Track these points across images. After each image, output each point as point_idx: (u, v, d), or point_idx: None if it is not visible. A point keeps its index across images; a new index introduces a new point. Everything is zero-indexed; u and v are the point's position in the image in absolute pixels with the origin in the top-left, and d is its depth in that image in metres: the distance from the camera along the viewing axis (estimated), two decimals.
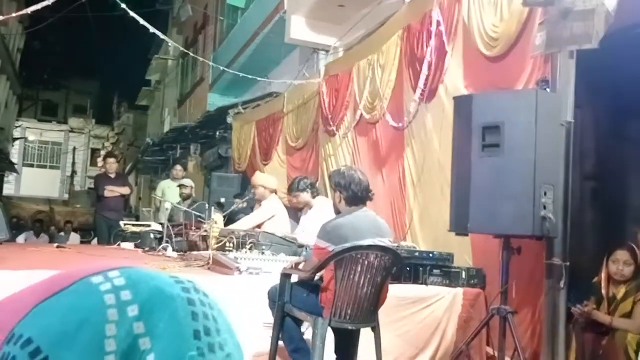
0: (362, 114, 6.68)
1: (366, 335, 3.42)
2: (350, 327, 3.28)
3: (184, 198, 8.82)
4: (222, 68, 10.85)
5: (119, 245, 7.05)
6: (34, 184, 33.34)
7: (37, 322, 0.80)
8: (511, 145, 3.61)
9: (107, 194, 9.04)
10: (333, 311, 3.17)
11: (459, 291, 4.42)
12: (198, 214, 6.56)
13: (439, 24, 5.23)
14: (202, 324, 0.84)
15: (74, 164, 35.72)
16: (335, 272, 3.17)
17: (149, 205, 15.16)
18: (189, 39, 20.85)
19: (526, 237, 3.70)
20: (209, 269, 4.48)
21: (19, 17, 18.20)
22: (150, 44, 23.84)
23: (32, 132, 35.81)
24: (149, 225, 7.41)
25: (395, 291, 3.88)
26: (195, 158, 15.53)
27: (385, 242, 3.37)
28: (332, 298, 3.17)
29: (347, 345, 3.50)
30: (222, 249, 4.96)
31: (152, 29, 7.27)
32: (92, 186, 16.89)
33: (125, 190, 9.44)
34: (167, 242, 6.11)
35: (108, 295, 0.82)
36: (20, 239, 12.60)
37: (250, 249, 4.75)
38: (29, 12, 6.65)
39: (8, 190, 29.43)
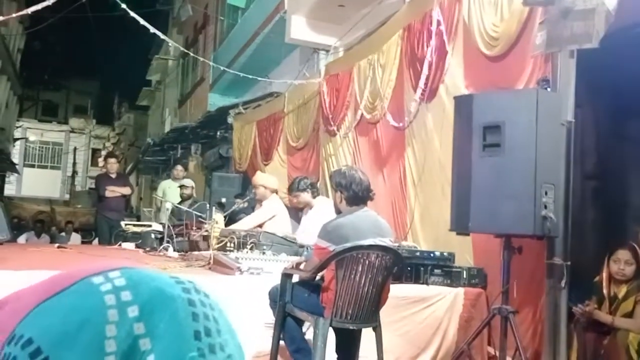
0: (362, 114, 6.68)
1: (367, 335, 3.42)
2: (351, 327, 3.28)
3: (185, 198, 8.83)
4: (222, 68, 10.85)
5: (120, 245, 7.05)
6: (35, 184, 33.36)
7: (38, 322, 0.80)
8: (512, 145, 3.61)
9: (108, 194, 9.04)
10: (334, 311, 3.17)
11: (460, 291, 4.42)
12: (199, 214, 6.56)
13: (439, 23, 5.23)
14: (202, 324, 0.84)
15: (74, 164, 35.73)
16: (336, 271, 3.17)
17: (150, 205, 15.15)
18: (189, 39, 20.85)
19: (527, 237, 3.70)
20: (209, 269, 4.48)
21: (19, 18, 18.20)
22: (151, 44, 23.85)
23: (32, 132, 35.83)
24: (150, 225, 7.41)
25: (396, 291, 3.88)
26: (195, 158, 15.53)
27: (386, 241, 3.37)
28: (333, 298, 3.17)
29: (348, 345, 3.50)
30: (222, 248, 4.96)
31: (152, 29, 7.27)
32: (93, 186, 16.89)
33: (126, 191, 9.44)
34: (167, 242, 6.11)
35: (108, 296, 0.82)
36: (21, 239, 12.60)
37: (251, 248, 4.74)
38: (29, 12, 6.65)
39: (9, 190, 29.44)
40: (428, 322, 4.27)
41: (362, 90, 6.69)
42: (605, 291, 4.04)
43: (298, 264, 3.71)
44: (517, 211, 3.56)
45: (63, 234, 15.82)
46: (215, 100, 14.96)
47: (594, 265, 4.21)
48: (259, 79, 10.24)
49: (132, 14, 6.90)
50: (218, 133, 13.08)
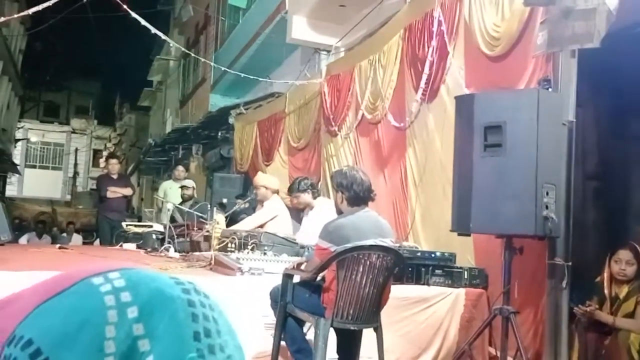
0: (363, 114, 6.68)
1: (368, 335, 3.42)
2: (352, 328, 3.28)
3: (186, 199, 8.83)
4: (223, 68, 10.85)
5: (121, 245, 7.05)
6: (36, 184, 33.41)
7: (38, 323, 0.80)
8: (513, 145, 3.61)
9: (109, 194, 9.04)
10: (335, 311, 3.17)
11: (461, 291, 4.41)
12: (200, 214, 6.56)
13: (440, 23, 5.22)
14: (202, 325, 0.84)
15: (75, 164, 35.77)
16: (337, 272, 3.17)
17: (151, 206, 15.17)
18: (190, 40, 20.87)
19: (528, 237, 3.69)
20: (210, 269, 4.48)
21: (21, 18, 18.23)
22: (152, 45, 23.86)
23: (34, 133, 35.89)
24: (151, 226, 7.41)
25: (397, 291, 3.88)
26: (197, 158, 15.54)
27: (387, 242, 3.37)
28: (334, 298, 3.17)
29: (349, 345, 3.50)
30: (224, 249, 4.96)
31: (153, 30, 7.27)
32: (94, 187, 16.88)
33: (127, 191, 9.45)
34: (169, 242, 6.11)
35: (108, 297, 0.82)
36: (23, 240, 12.61)
37: (252, 249, 4.74)
38: (30, 13, 6.66)
39: (10, 191, 29.49)
40: (429, 322, 4.26)
41: (363, 90, 6.69)
42: (606, 291, 4.03)
43: (299, 265, 3.71)
44: (518, 211, 3.56)
45: (64, 234, 15.83)
46: (217, 101, 14.97)
47: (595, 265, 4.21)
48: (260, 79, 10.25)
49: (134, 14, 6.90)
50: (219, 133, 13.09)
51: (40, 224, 15.08)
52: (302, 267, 3.62)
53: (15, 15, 11.40)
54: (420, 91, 5.43)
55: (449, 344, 4.30)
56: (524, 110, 3.64)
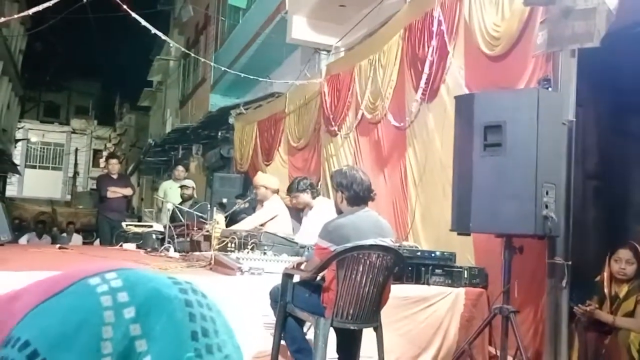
0: (363, 114, 6.68)
1: (368, 335, 3.42)
2: (352, 327, 3.28)
3: (185, 199, 8.83)
4: (223, 68, 10.85)
5: (121, 245, 7.05)
6: (36, 185, 33.41)
7: (35, 324, 0.80)
8: (513, 144, 3.61)
9: (109, 194, 9.04)
10: (335, 311, 3.17)
11: (461, 290, 4.42)
12: (200, 214, 6.56)
13: (440, 23, 5.22)
14: (199, 325, 0.84)
15: (76, 164, 35.78)
16: (337, 272, 3.17)
17: (151, 206, 15.18)
18: (190, 40, 20.87)
19: (528, 236, 3.69)
20: (210, 269, 4.48)
21: (21, 19, 18.23)
22: (152, 45, 23.87)
23: (34, 133, 35.90)
24: (151, 226, 7.41)
25: (397, 291, 3.88)
26: (197, 158, 15.54)
27: (387, 241, 3.37)
28: (334, 298, 3.17)
29: (349, 345, 3.50)
30: (224, 249, 4.96)
31: (153, 30, 7.27)
32: (94, 187, 16.88)
33: (127, 191, 9.45)
34: (169, 242, 6.11)
35: (105, 297, 0.81)
36: (23, 240, 12.61)
37: (252, 249, 4.74)
38: (30, 14, 6.66)
39: (10, 191, 29.49)
40: (429, 321, 4.26)
41: (363, 90, 6.69)
42: (606, 291, 4.03)
43: (299, 264, 3.71)
44: (518, 211, 3.56)
45: (64, 234, 15.83)
46: (217, 101, 14.98)
47: (595, 264, 4.21)
48: (260, 79, 10.25)
49: (134, 14, 6.90)
50: (219, 133, 13.09)
51: (40, 224, 15.08)
52: (302, 266, 3.62)
53: (16, 16, 11.41)
54: (420, 91, 5.43)
55: (449, 343, 4.31)
56: (523, 110, 3.64)
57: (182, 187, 9.12)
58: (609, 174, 4.87)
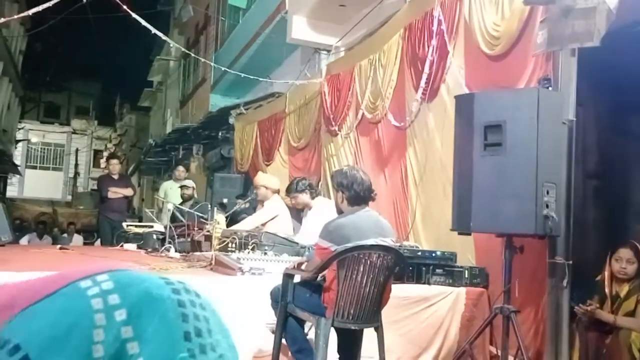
0: (363, 114, 6.68)
1: (369, 335, 3.42)
2: (353, 327, 3.28)
3: (186, 199, 8.83)
4: (223, 68, 10.84)
5: (122, 246, 7.05)
6: (37, 185, 33.42)
7: (25, 327, 0.79)
8: (513, 144, 3.61)
9: (110, 195, 9.04)
10: (336, 311, 3.17)
11: (462, 290, 4.42)
12: (200, 214, 6.56)
13: (440, 22, 5.22)
14: (192, 325, 0.83)
15: (76, 165, 35.77)
16: (337, 272, 3.17)
17: (152, 206, 15.17)
18: (190, 40, 20.87)
19: (528, 236, 3.69)
20: (211, 269, 4.48)
21: (21, 19, 18.23)
22: (152, 45, 23.87)
23: (34, 134, 35.90)
24: (152, 226, 7.41)
25: (398, 291, 3.88)
26: (197, 159, 15.54)
27: (388, 241, 3.36)
28: (334, 298, 3.17)
29: (350, 345, 3.49)
30: (224, 249, 4.96)
31: (153, 30, 7.27)
32: (95, 187, 16.87)
33: (128, 192, 9.44)
34: (169, 242, 6.11)
35: (95, 300, 0.81)
36: (23, 241, 12.61)
37: (253, 249, 4.74)
38: (30, 14, 6.67)
39: (11, 191, 29.51)
40: (430, 321, 4.26)
41: (363, 90, 6.69)
42: (607, 290, 4.03)
43: (299, 264, 3.71)
44: (518, 210, 3.56)
45: (65, 235, 15.83)
46: (217, 101, 14.98)
47: (595, 264, 4.21)
48: (260, 79, 10.25)
49: (134, 15, 6.90)
50: (219, 134, 13.09)
51: (41, 225, 15.07)
52: (303, 266, 3.62)
53: (16, 16, 11.41)
54: (420, 90, 5.43)
55: (450, 343, 4.30)
56: (524, 109, 3.64)
57: (182, 187, 9.12)
58: (609, 173, 4.87)
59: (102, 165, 27.81)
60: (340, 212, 3.54)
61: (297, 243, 5.04)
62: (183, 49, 14.14)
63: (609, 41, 3.63)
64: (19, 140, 31.91)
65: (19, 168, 28.75)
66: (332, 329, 3.26)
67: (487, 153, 3.70)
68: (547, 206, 3.54)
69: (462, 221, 3.84)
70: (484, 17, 4.70)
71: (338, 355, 3.49)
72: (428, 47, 5.35)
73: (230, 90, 14.81)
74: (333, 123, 7.38)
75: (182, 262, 5.17)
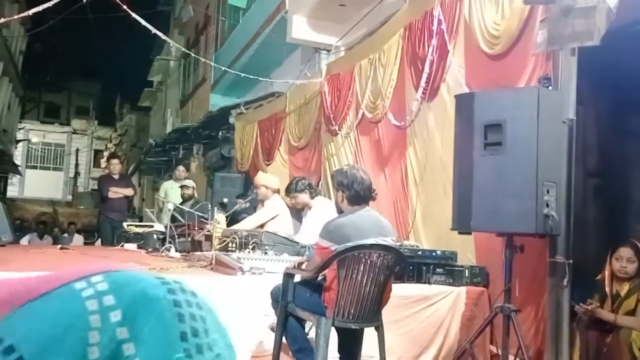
0: (364, 113, 6.68)
1: (370, 334, 3.42)
2: (353, 327, 3.28)
3: (186, 199, 8.83)
4: (223, 68, 10.84)
5: (122, 246, 7.05)
6: (37, 185, 33.43)
7: (19, 328, 0.78)
8: (513, 143, 3.61)
9: (110, 195, 9.04)
10: (336, 310, 3.17)
11: (462, 289, 4.42)
12: (201, 214, 6.56)
13: (440, 22, 5.22)
14: (189, 325, 0.83)
15: (76, 165, 35.79)
16: (338, 271, 3.17)
17: (152, 206, 15.16)
18: (190, 40, 20.86)
19: (529, 235, 3.69)
20: (211, 269, 4.48)
21: (21, 19, 18.24)
22: (152, 45, 23.88)
23: (34, 134, 35.91)
24: (152, 226, 7.41)
25: (399, 290, 3.88)
26: (197, 158, 15.54)
27: (388, 241, 3.36)
28: (335, 297, 3.17)
29: (350, 344, 3.50)
30: (224, 249, 4.96)
31: (153, 30, 7.27)
32: (95, 187, 16.86)
33: (129, 192, 9.44)
34: (170, 242, 6.11)
35: (90, 301, 0.80)
36: (24, 241, 12.61)
37: (253, 248, 4.74)
38: (30, 14, 6.67)
39: (11, 192, 29.52)
40: (430, 321, 4.26)
41: (363, 89, 6.69)
42: (607, 289, 4.02)
43: (300, 264, 3.71)
44: (518, 209, 3.56)
45: (65, 235, 15.82)
46: (217, 101, 14.97)
47: (596, 263, 4.21)
48: (261, 79, 10.24)
49: (134, 15, 6.90)
50: (220, 133, 13.10)
51: (42, 225, 15.07)
52: (303, 266, 3.62)
53: (16, 16, 11.42)
54: (420, 90, 5.43)
55: (450, 342, 4.31)
56: (524, 109, 3.64)
57: (182, 187, 9.12)
58: (609, 172, 4.87)
59: (103, 165, 27.83)
60: (340, 211, 3.54)
61: (297, 242, 5.04)
62: (183, 49, 14.17)
63: (609, 40, 3.63)
64: (20, 140, 31.93)
65: (19, 168, 28.76)
66: (333, 329, 3.26)
67: (487, 152, 3.70)
68: (547, 205, 3.54)
69: (462, 220, 3.84)
70: (484, 16, 4.70)
71: (338, 355, 3.50)
72: (428, 46, 5.35)
73: (231, 90, 14.80)
74: (333, 122, 7.38)
75: (183, 261, 5.17)
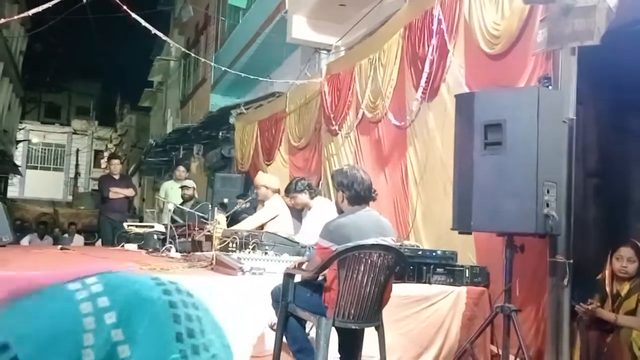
0: (364, 113, 6.68)
1: (370, 335, 3.42)
2: (353, 327, 3.28)
3: (186, 199, 8.84)
4: (223, 68, 10.84)
5: (123, 246, 7.05)
6: (38, 185, 33.43)
7: (14, 328, 0.78)
8: (513, 143, 3.61)
9: (111, 195, 9.03)
10: (336, 311, 3.17)
11: (463, 289, 4.42)
12: (201, 214, 6.56)
13: (440, 22, 5.22)
14: (184, 325, 0.82)
15: (77, 165, 35.79)
16: (338, 271, 3.17)
17: (153, 206, 15.18)
18: (190, 40, 20.86)
19: (529, 235, 3.69)
20: (212, 269, 4.48)
21: (21, 20, 18.24)
22: (152, 45, 23.88)
23: (35, 134, 35.92)
24: (152, 227, 7.41)
25: (399, 290, 3.88)
26: (198, 158, 15.54)
27: (388, 241, 3.36)
28: (335, 297, 3.17)
29: (350, 344, 3.49)
30: (225, 249, 4.96)
31: (153, 30, 7.26)
32: (96, 188, 16.87)
33: (129, 192, 9.44)
34: (170, 243, 6.11)
35: (84, 304, 0.80)
36: (24, 241, 12.60)
37: (253, 249, 4.74)
38: (30, 14, 6.67)
39: (12, 192, 29.53)
40: (431, 321, 4.26)
41: (363, 89, 6.69)
42: (608, 289, 4.02)
43: (300, 264, 3.71)
44: (519, 209, 3.56)
45: (66, 235, 15.82)
46: (217, 101, 14.97)
47: (596, 263, 4.21)
48: (261, 79, 10.25)
49: (134, 15, 6.90)
50: (220, 133, 13.10)
51: (42, 225, 15.07)
52: (304, 266, 3.62)
53: (16, 17, 11.41)
54: (420, 90, 5.43)
55: (451, 342, 4.30)
56: (524, 108, 3.64)
57: (183, 187, 9.12)
58: (609, 172, 4.87)
59: (103, 165, 27.86)
60: (340, 211, 3.54)
61: (297, 243, 5.04)
62: (183, 49, 14.15)
63: (609, 40, 3.63)
64: (20, 141, 31.94)
65: (19, 168, 28.78)
66: (333, 329, 3.26)
67: (487, 152, 3.70)
68: (547, 205, 3.54)
69: (462, 220, 3.84)
70: (484, 16, 4.70)
71: (339, 355, 3.50)
72: (428, 46, 5.35)
73: (231, 90, 14.80)
74: (333, 122, 7.38)
75: (183, 262, 5.16)
